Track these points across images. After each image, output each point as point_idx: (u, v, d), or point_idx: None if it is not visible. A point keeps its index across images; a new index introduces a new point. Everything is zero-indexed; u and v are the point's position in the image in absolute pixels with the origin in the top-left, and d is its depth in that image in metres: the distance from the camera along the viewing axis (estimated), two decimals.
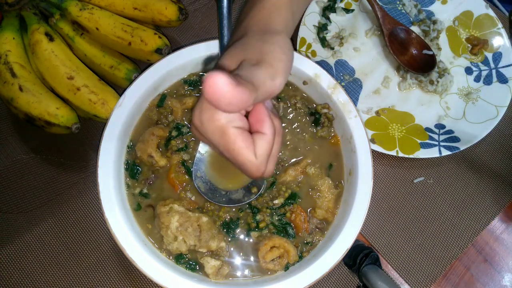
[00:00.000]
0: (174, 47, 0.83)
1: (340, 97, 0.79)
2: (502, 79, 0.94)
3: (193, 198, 0.75)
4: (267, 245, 0.72)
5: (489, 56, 0.97)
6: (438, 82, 0.94)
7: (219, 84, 0.42)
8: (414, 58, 0.95)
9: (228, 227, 0.73)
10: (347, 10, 1.01)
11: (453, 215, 0.87)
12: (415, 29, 1.01)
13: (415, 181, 0.90)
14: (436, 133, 0.91)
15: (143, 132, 0.77)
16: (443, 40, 1.00)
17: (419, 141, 0.89)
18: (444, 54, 0.99)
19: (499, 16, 0.98)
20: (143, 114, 0.79)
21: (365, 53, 0.99)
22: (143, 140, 0.76)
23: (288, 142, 0.80)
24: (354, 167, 0.76)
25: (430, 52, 0.95)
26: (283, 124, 0.81)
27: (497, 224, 0.88)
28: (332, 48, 0.97)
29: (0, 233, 0.81)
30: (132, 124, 0.78)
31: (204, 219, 0.72)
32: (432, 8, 1.02)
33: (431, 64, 0.94)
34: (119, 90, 0.81)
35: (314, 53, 0.94)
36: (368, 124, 0.91)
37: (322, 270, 0.69)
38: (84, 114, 0.80)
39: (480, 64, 0.98)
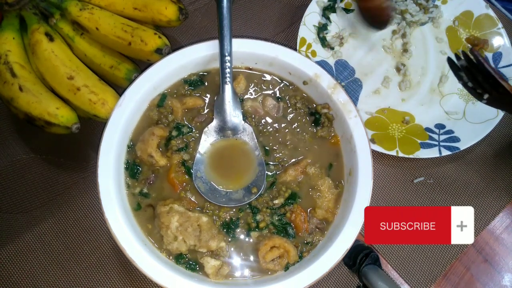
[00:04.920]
0: (174, 47, 0.83)
1: (340, 97, 0.79)
2: None
3: (193, 198, 0.75)
4: (267, 245, 0.72)
5: (489, 56, 0.97)
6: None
7: None
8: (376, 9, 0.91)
9: (228, 227, 0.73)
10: (347, 10, 1.01)
11: None
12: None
13: (415, 181, 0.90)
14: (436, 133, 0.91)
15: (143, 132, 0.77)
16: (443, 40, 1.00)
17: (419, 141, 0.89)
18: (445, 54, 0.99)
19: (499, 16, 0.98)
20: (143, 114, 0.79)
21: (365, 53, 0.99)
22: (143, 140, 0.76)
23: (288, 142, 0.80)
24: (354, 167, 0.76)
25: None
26: (283, 124, 0.81)
27: (497, 224, 0.88)
28: (332, 48, 0.97)
29: (0, 233, 0.81)
30: (132, 124, 0.78)
31: (204, 219, 0.72)
32: None
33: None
34: (119, 90, 0.81)
35: (314, 53, 0.94)
36: (368, 124, 0.91)
37: (322, 270, 0.69)
38: (84, 114, 0.80)
39: None
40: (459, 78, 0.79)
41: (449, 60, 0.79)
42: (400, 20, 0.99)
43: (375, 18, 0.93)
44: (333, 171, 0.79)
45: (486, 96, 0.76)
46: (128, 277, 0.80)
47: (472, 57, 0.73)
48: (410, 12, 0.98)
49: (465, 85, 0.79)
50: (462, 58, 0.75)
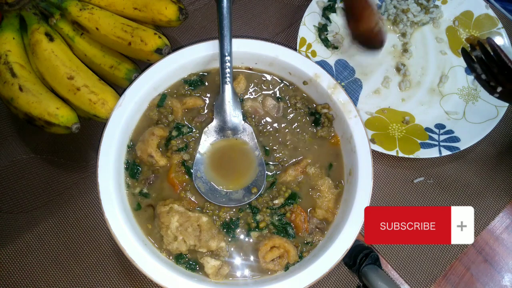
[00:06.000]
0: (174, 47, 0.83)
1: (340, 97, 0.79)
2: None
3: (193, 198, 0.75)
4: (267, 245, 0.72)
5: None
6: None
7: None
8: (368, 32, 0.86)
9: (228, 227, 0.73)
10: None
11: None
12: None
13: (415, 181, 0.90)
14: (436, 133, 0.91)
15: (143, 132, 0.77)
16: (443, 40, 1.00)
17: (419, 141, 0.89)
18: (445, 54, 0.99)
19: (499, 16, 0.98)
20: (143, 114, 0.79)
21: (365, 53, 0.98)
22: (143, 140, 0.76)
23: (288, 142, 0.80)
24: (354, 167, 0.76)
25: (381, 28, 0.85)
26: (283, 124, 0.81)
27: (497, 224, 0.88)
28: (336, 47, 0.96)
29: (0, 233, 0.81)
30: (132, 124, 0.78)
31: (204, 219, 0.72)
32: None
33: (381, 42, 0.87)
34: (119, 90, 0.81)
35: (314, 53, 0.94)
36: (368, 124, 0.91)
37: (322, 270, 0.69)
38: (84, 114, 0.80)
39: None
40: (473, 70, 0.78)
41: (463, 51, 0.77)
42: (402, 19, 0.99)
43: (368, 42, 0.88)
44: (333, 171, 0.79)
45: (499, 89, 0.74)
46: (128, 277, 0.80)
47: (488, 47, 0.72)
48: (412, 12, 0.98)
49: (478, 77, 0.77)
50: (478, 48, 0.74)
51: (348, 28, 0.91)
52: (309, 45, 0.94)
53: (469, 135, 0.89)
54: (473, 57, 0.77)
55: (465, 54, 0.78)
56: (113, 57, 0.84)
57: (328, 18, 0.98)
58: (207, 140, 0.78)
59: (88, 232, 0.82)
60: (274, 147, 0.79)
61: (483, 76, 0.76)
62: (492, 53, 0.73)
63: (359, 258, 0.72)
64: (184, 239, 0.70)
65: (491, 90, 0.76)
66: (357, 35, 0.89)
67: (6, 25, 0.82)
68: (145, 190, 0.75)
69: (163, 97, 0.79)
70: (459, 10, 1.01)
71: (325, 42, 0.96)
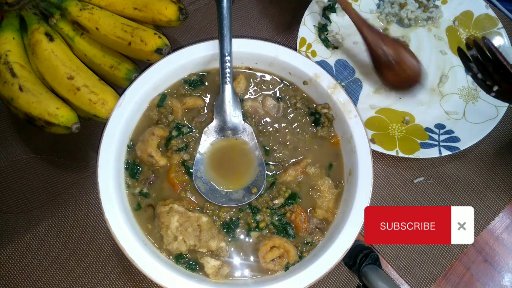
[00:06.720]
0: (174, 47, 0.83)
1: (340, 97, 0.79)
2: None
3: (193, 198, 0.75)
4: (267, 245, 0.72)
5: None
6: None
7: None
8: (399, 74, 0.87)
9: (228, 227, 0.73)
10: None
11: None
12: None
13: (415, 181, 0.90)
14: (436, 133, 0.91)
15: (143, 132, 0.77)
16: (443, 40, 1.00)
17: (419, 141, 0.89)
18: (445, 54, 0.99)
19: (499, 16, 0.98)
20: (143, 114, 0.79)
21: (365, 53, 0.98)
22: (143, 140, 0.76)
23: (288, 142, 0.80)
24: (354, 167, 0.76)
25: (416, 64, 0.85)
26: (283, 124, 0.81)
27: (497, 224, 0.88)
28: (336, 47, 0.96)
29: (0, 233, 0.81)
30: (132, 124, 0.78)
31: (204, 219, 0.72)
32: None
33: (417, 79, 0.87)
34: (119, 90, 0.81)
35: (314, 53, 0.94)
36: (368, 124, 0.91)
37: (322, 270, 0.69)
38: (84, 114, 0.80)
39: None
40: (469, 69, 0.78)
41: (460, 50, 0.78)
42: (401, 17, 0.99)
43: (408, 86, 0.88)
44: (333, 171, 0.79)
45: (495, 88, 0.75)
46: (128, 277, 0.80)
47: (483, 46, 0.73)
48: (409, 8, 0.98)
49: (474, 76, 0.78)
50: (473, 47, 0.75)
51: (381, 78, 0.89)
52: (309, 45, 0.94)
53: (469, 135, 0.89)
54: (469, 56, 0.77)
55: (462, 54, 0.78)
56: (113, 57, 0.84)
57: (328, 18, 0.98)
58: (207, 140, 0.78)
59: (88, 232, 0.82)
60: (274, 147, 0.79)
61: (479, 75, 0.77)
62: (487, 53, 0.73)
63: (359, 258, 0.72)
64: (184, 239, 0.70)
65: (488, 89, 0.76)
66: (395, 84, 0.88)
67: (6, 25, 0.82)
68: (145, 190, 0.75)
69: (163, 97, 0.79)
70: (459, 10, 1.01)
71: (325, 42, 0.96)
